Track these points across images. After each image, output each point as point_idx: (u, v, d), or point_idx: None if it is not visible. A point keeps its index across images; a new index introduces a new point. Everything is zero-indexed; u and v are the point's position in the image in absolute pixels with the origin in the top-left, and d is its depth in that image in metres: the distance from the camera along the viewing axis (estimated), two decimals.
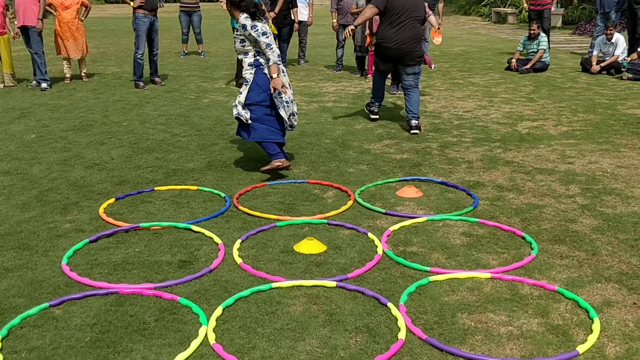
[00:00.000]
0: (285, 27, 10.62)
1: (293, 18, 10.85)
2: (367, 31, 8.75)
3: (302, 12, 11.19)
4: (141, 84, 9.39)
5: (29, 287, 3.34)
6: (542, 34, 10.61)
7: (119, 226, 4.14)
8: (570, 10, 19.29)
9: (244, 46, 5.08)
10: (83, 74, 10.14)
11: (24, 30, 9.14)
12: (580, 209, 4.39)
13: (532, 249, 3.73)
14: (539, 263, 3.58)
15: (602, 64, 10.25)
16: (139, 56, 9.19)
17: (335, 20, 10.57)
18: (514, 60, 10.75)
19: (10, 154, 5.91)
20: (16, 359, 2.71)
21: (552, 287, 3.26)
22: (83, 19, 9.79)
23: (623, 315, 3.02)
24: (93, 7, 13.65)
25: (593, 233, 3.98)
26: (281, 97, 5.15)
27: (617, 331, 2.88)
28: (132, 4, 9.08)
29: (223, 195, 4.72)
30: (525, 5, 11.85)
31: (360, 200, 4.57)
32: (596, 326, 2.87)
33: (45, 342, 2.82)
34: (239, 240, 3.87)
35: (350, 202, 4.53)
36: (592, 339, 2.78)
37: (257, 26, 4.95)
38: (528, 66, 10.47)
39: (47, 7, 9.42)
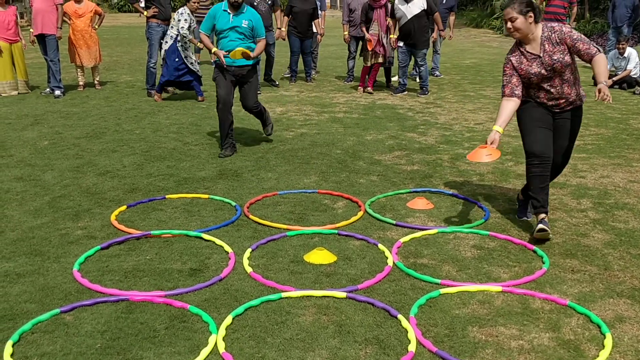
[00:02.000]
0: (307, 40, 10.60)
1: (315, 30, 10.84)
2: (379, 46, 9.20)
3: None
4: (154, 92, 9.46)
5: (40, 292, 3.36)
6: None
7: (130, 233, 4.15)
8: (582, 25, 19.25)
9: None
10: (96, 82, 10.21)
11: (41, 38, 9.24)
12: (592, 224, 4.37)
13: (544, 263, 3.71)
14: (550, 277, 3.56)
15: (614, 79, 10.21)
16: (151, 65, 9.29)
17: (346, 33, 10.60)
18: None
19: (24, 160, 5.95)
20: None
21: (563, 302, 3.24)
22: (97, 27, 9.89)
23: (635, 331, 2.99)
24: (106, 16, 13.78)
25: (605, 248, 3.96)
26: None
27: (630, 347, 2.85)
28: (145, 13, 9.21)
29: (234, 204, 4.73)
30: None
31: (370, 211, 4.57)
32: (608, 342, 2.85)
33: (56, 348, 2.84)
34: (249, 250, 3.88)
35: (360, 213, 4.53)
36: (604, 354, 2.76)
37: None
38: None
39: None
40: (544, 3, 11.57)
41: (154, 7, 9.08)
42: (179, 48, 8.68)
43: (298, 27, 10.34)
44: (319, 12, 10.87)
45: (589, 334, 2.96)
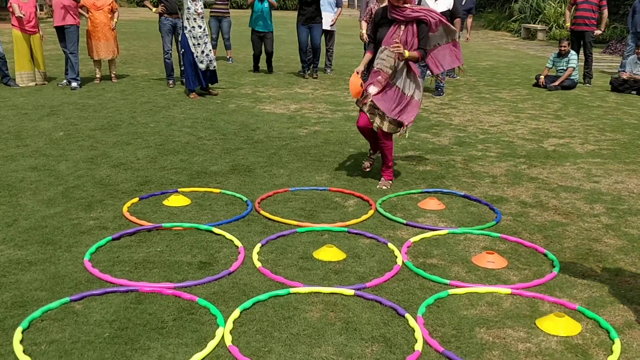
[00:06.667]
0: (316, 29, 10.72)
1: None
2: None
3: (327, 21, 11.17)
4: (170, 81, 9.86)
5: (51, 281, 3.39)
6: (572, 52, 10.48)
7: (141, 225, 4.18)
8: None
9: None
10: (113, 75, 10.28)
11: (60, 30, 9.34)
12: (604, 229, 4.33)
13: (554, 267, 3.69)
14: (561, 281, 3.53)
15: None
16: (166, 56, 9.70)
17: (364, 31, 10.57)
18: (542, 76, 10.65)
19: (39, 150, 6.01)
20: (36, 351, 2.75)
21: (572, 306, 3.22)
22: (114, 27, 10.00)
23: None
24: (124, 11, 13.87)
25: (617, 253, 3.93)
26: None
27: (638, 353, 2.83)
28: (153, 10, 9.50)
29: (245, 199, 4.75)
30: (568, 24, 11.47)
31: (381, 210, 4.57)
32: (617, 347, 2.83)
33: (65, 336, 2.86)
34: (259, 245, 3.89)
35: (371, 212, 4.52)
36: None
37: None
38: (556, 83, 10.38)
39: (79, 9, 9.61)
40: (573, 8, 11.33)
41: (161, 4, 9.31)
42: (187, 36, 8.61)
43: (305, 15, 10.51)
44: (335, 8, 10.94)
45: (598, 339, 2.94)
